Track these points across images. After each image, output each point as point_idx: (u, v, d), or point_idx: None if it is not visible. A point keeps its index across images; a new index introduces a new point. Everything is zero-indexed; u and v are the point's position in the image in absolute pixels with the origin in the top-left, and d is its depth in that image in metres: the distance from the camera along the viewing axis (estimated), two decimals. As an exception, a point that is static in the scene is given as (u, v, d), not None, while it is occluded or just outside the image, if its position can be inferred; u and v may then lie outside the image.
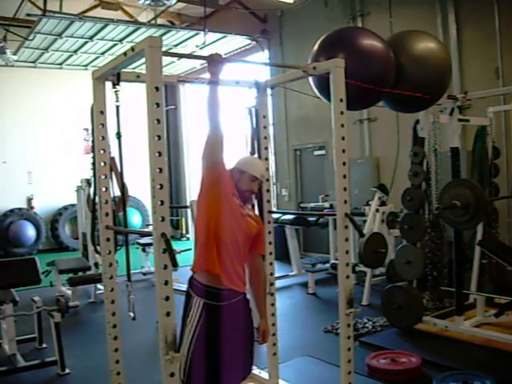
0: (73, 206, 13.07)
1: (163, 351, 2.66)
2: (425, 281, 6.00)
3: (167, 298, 2.68)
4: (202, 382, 2.93)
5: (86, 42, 12.14)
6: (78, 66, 14.15)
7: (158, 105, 2.63)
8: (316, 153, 11.15)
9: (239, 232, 3.05)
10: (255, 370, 4.54)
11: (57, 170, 13.93)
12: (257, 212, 3.62)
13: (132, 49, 2.84)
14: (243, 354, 3.12)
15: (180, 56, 3.99)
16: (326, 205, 9.70)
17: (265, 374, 4.41)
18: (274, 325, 4.21)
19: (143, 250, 9.92)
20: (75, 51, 12.87)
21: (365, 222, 7.63)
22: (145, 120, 2.66)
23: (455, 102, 5.57)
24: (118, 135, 3.54)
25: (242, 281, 3.08)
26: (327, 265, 8.55)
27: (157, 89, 2.62)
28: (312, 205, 10.32)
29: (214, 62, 3.10)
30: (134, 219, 14.57)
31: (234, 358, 3.02)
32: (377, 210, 7.56)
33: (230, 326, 3.02)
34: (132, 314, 3.70)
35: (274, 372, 4.30)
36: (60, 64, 13.97)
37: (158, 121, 2.63)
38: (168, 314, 2.67)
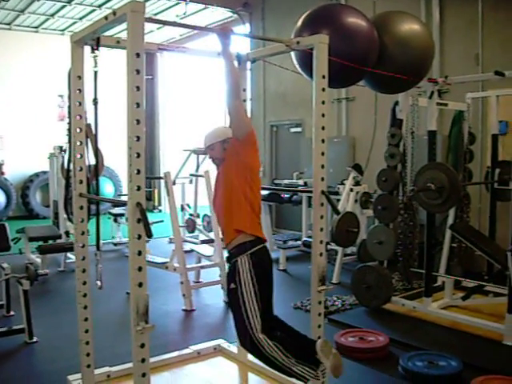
0: (44, 173, 12.89)
1: (134, 322, 2.64)
2: (395, 262, 6.06)
3: (140, 269, 2.66)
4: None
5: (63, 6, 11.90)
6: (54, 30, 13.89)
7: (138, 71, 2.58)
8: (292, 130, 11.14)
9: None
10: (224, 344, 4.58)
11: (29, 136, 13.71)
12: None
13: (114, 13, 2.76)
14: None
15: (170, 24, 3.88)
16: (300, 182, 9.71)
17: (234, 349, 4.43)
18: (245, 299, 4.21)
19: (115, 221, 9.83)
20: (52, 15, 12.61)
21: (338, 201, 7.67)
22: (123, 87, 2.61)
23: (435, 85, 5.58)
24: (95, 101, 3.47)
25: (227, 235, 3.49)
26: (299, 242, 8.58)
27: (138, 55, 2.57)
28: (286, 182, 10.31)
29: (225, 33, 3.31)
30: (107, 189, 14.45)
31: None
32: (351, 190, 7.60)
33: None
34: (99, 283, 3.67)
35: (243, 346, 4.32)
36: (36, 27, 13.69)
37: (138, 88, 2.59)
38: (140, 284, 2.65)
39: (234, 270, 3.38)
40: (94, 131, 3.58)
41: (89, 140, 3.62)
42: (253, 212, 3.46)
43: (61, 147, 8.45)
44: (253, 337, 3.31)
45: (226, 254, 3.62)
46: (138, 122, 2.60)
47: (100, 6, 11.88)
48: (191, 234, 9.28)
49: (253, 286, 3.33)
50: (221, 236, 3.82)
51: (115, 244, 9.48)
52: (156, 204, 15.46)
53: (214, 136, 3.59)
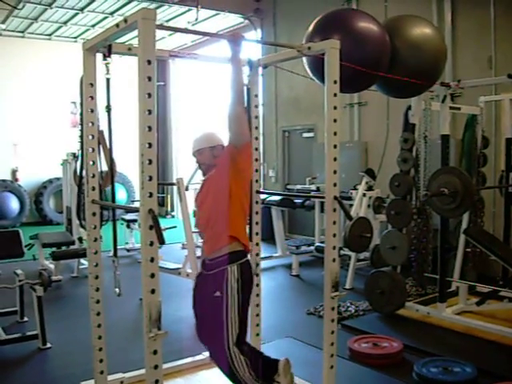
0: (58, 179, 12.99)
1: (147, 328, 2.63)
2: (409, 267, 6.03)
3: (152, 275, 2.65)
4: None
5: (76, 14, 11.99)
6: (67, 37, 13.99)
7: (149, 78, 2.58)
8: (305, 135, 11.13)
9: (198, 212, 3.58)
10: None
11: (43, 142, 13.79)
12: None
13: (125, 20, 2.77)
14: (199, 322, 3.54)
15: (181, 31, 3.91)
16: (313, 187, 9.69)
17: (247, 354, 4.41)
18: (257, 305, 4.20)
19: (128, 226, 9.87)
20: (65, 22, 12.71)
21: (351, 206, 7.65)
22: (135, 94, 2.61)
23: (448, 89, 5.55)
24: (108, 108, 3.48)
25: (216, 241, 3.36)
26: (312, 247, 8.57)
27: (149, 62, 2.57)
28: (299, 187, 10.30)
29: (236, 39, 3.28)
30: (119, 194, 14.50)
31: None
32: (364, 195, 7.58)
33: (196, 291, 3.56)
34: (118, 290, 3.68)
35: (256, 352, 4.30)
36: (49, 35, 13.80)
37: (149, 95, 2.59)
38: (153, 291, 2.65)
39: (222, 278, 3.27)
40: (107, 138, 3.60)
41: (101, 147, 3.64)
42: (245, 221, 3.46)
43: (74, 154, 8.49)
44: (227, 348, 3.24)
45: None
46: (150, 128, 2.60)
47: (112, 14, 11.96)
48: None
49: (238, 298, 3.27)
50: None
51: (128, 250, 9.51)
52: (169, 210, 15.50)
53: (203, 141, 3.53)
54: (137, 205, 2.85)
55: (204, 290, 3.41)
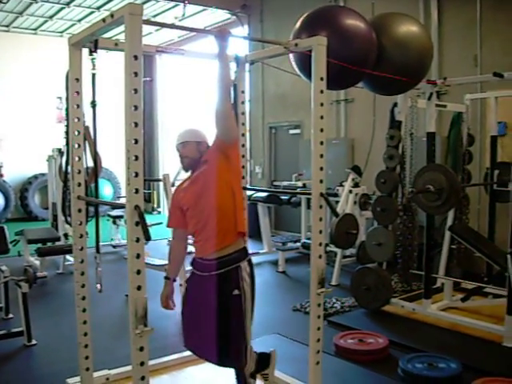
0: (43, 175, 12.90)
1: (133, 325, 2.63)
2: (394, 263, 6.06)
3: (138, 272, 2.64)
4: None
5: (62, 8, 11.89)
6: (53, 32, 13.88)
7: (136, 74, 2.56)
8: (291, 131, 11.14)
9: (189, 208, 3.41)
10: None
11: (28, 138, 13.69)
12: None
13: (111, 15, 2.75)
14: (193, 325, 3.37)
15: (168, 27, 3.89)
16: (299, 184, 9.72)
17: (233, 351, 4.41)
18: (244, 302, 4.19)
19: (114, 223, 9.83)
20: (51, 17, 12.61)
21: (338, 202, 7.67)
22: (121, 90, 2.60)
23: (434, 87, 5.58)
24: (93, 104, 3.46)
25: (222, 238, 3.24)
26: (298, 244, 8.60)
27: (135, 57, 2.55)
28: (285, 183, 10.32)
29: (223, 35, 3.23)
30: (105, 191, 14.44)
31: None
32: (350, 192, 7.60)
33: (193, 293, 3.38)
34: (99, 287, 3.66)
35: (243, 349, 4.30)
36: (35, 29, 13.69)
37: (136, 90, 2.57)
38: (139, 287, 2.64)
39: (237, 276, 3.21)
40: (92, 133, 3.58)
41: (87, 142, 3.62)
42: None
43: (59, 149, 8.43)
44: (243, 348, 3.22)
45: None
46: (136, 124, 2.59)
47: (98, 8, 11.88)
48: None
49: (250, 294, 3.27)
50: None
51: (114, 246, 9.47)
52: (155, 206, 15.45)
53: (191, 135, 3.44)
54: (123, 201, 2.83)
55: (213, 291, 3.23)
